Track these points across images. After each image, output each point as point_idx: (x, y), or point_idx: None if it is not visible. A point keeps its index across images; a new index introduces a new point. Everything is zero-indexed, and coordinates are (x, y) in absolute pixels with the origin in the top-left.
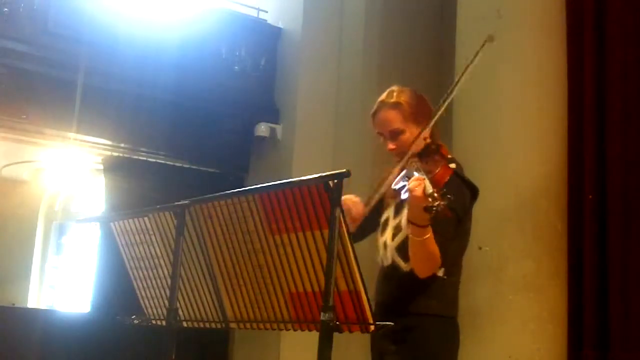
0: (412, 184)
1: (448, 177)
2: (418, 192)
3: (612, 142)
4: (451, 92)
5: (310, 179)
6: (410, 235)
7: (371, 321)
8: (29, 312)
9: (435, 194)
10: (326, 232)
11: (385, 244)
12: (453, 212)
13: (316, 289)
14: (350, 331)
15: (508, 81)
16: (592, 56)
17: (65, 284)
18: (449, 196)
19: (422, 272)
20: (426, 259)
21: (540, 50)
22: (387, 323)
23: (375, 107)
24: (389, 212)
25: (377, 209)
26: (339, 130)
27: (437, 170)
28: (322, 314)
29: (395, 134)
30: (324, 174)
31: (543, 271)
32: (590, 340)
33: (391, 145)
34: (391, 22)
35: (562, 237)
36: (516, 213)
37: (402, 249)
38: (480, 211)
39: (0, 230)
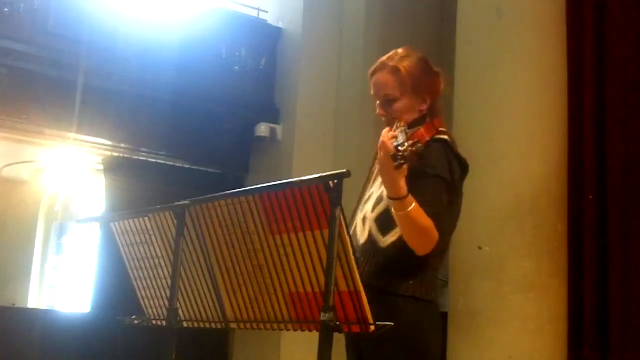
0: (380, 140)
1: (428, 137)
2: (383, 149)
3: (612, 142)
4: None
5: (310, 179)
6: (394, 213)
7: (371, 321)
8: (29, 312)
9: (406, 143)
10: (326, 232)
11: (364, 218)
12: (443, 183)
13: (316, 289)
14: (350, 331)
15: (508, 81)
16: (592, 56)
17: (65, 284)
18: (419, 144)
19: (420, 249)
20: (419, 233)
21: (540, 50)
22: (387, 323)
23: (375, 65)
24: (373, 187)
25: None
26: (339, 130)
27: (418, 129)
28: (322, 314)
29: (387, 100)
30: (324, 174)
31: (543, 271)
32: (590, 340)
33: (379, 111)
34: (391, 22)
35: (562, 237)
36: (516, 213)
37: (382, 221)
38: (480, 211)
39: (0, 230)
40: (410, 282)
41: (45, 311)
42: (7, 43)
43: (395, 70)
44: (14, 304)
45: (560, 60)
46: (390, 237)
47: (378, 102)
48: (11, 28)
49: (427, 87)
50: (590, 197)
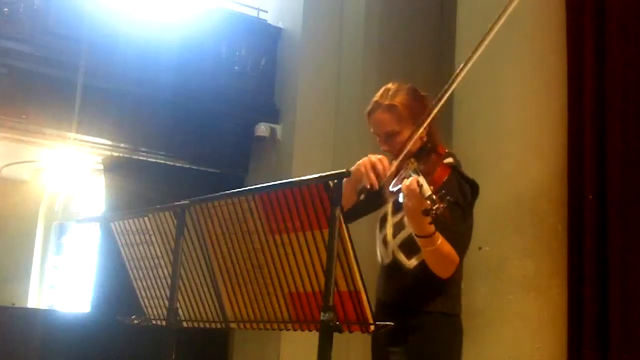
0: (406, 190)
1: (446, 177)
2: (410, 200)
3: (612, 142)
4: (455, 77)
5: (310, 179)
6: (422, 248)
7: (371, 321)
8: (29, 312)
9: (434, 197)
10: (326, 232)
11: (385, 241)
12: (458, 207)
13: (316, 289)
14: (350, 331)
15: (508, 81)
16: (592, 56)
17: (65, 284)
18: (448, 198)
19: (445, 274)
20: (444, 262)
21: (540, 50)
22: (388, 323)
23: (369, 106)
24: (387, 208)
25: (376, 195)
26: (339, 130)
27: (435, 171)
28: (322, 314)
29: (389, 136)
30: (324, 174)
31: (543, 271)
32: (590, 340)
33: (384, 146)
34: (391, 22)
35: (562, 237)
36: (516, 213)
37: (406, 247)
38: (480, 211)
39: (0, 230)
40: (439, 299)
41: (45, 311)
42: (7, 43)
43: (391, 107)
44: (14, 304)
45: (560, 61)
46: (416, 260)
47: (379, 138)
48: (11, 28)
49: (423, 114)
50: (590, 197)
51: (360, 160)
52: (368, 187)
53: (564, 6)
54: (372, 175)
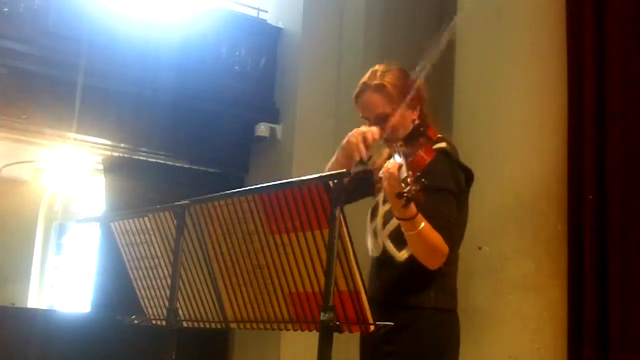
0: (385, 172)
1: (429, 159)
2: (388, 182)
3: (612, 142)
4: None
5: (310, 179)
6: (405, 233)
7: (371, 321)
8: (29, 312)
9: (409, 179)
10: (326, 232)
11: (375, 232)
12: (450, 195)
13: (316, 289)
14: (350, 331)
15: (508, 81)
16: (592, 56)
17: (65, 284)
18: (422, 180)
19: (432, 265)
20: (430, 250)
21: (540, 51)
22: (388, 323)
23: (357, 89)
24: (379, 198)
25: (369, 182)
26: (339, 130)
27: (418, 153)
28: (322, 314)
29: (380, 118)
30: (324, 174)
31: (543, 271)
32: (590, 340)
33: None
34: (391, 22)
35: (562, 237)
36: (516, 213)
37: (395, 237)
38: (480, 211)
39: (0, 230)
40: (432, 294)
41: (45, 311)
42: (7, 43)
43: (380, 87)
44: (14, 304)
45: (560, 60)
46: (407, 252)
47: (369, 123)
48: (11, 28)
49: (414, 95)
50: (590, 197)
51: (350, 133)
52: (358, 159)
53: (564, 6)
54: (362, 147)
